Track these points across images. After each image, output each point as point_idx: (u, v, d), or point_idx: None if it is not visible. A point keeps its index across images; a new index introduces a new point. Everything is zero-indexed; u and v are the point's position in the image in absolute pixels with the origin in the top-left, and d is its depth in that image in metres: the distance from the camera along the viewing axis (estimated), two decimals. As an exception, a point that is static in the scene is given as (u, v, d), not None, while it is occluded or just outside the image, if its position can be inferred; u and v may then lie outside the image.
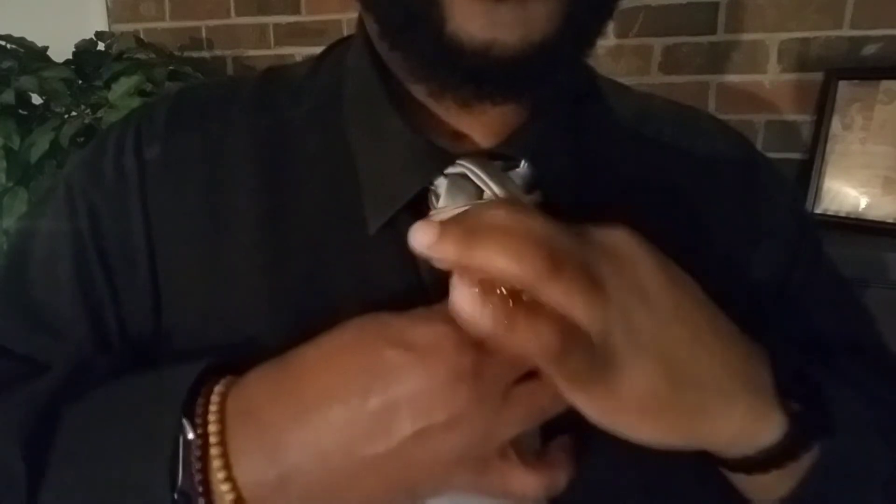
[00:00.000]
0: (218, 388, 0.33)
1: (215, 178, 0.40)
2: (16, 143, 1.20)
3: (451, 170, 0.37)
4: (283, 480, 0.31)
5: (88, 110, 1.26)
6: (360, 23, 0.41)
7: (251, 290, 0.38)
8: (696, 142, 0.46)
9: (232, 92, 0.44)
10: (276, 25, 1.67)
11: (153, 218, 0.40)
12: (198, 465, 0.31)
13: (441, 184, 0.37)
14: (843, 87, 1.25)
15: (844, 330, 0.46)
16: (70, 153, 1.22)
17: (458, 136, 0.38)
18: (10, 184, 1.23)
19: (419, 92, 0.38)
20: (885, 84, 1.21)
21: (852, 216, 1.24)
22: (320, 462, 0.30)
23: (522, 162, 0.38)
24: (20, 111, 1.26)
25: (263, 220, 0.39)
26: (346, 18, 1.59)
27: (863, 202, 1.23)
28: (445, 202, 0.36)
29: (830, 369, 0.40)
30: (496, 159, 0.38)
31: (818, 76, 1.28)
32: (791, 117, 1.32)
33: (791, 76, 1.31)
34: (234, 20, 1.71)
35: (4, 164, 1.21)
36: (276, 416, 0.31)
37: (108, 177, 0.41)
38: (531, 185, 0.38)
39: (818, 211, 1.27)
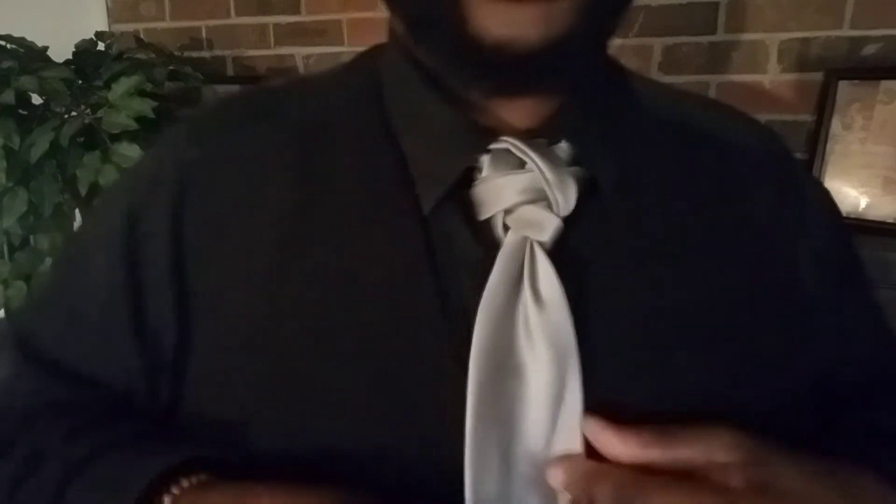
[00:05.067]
0: (185, 486, 0.35)
1: (249, 177, 0.41)
2: (16, 143, 1.20)
3: (494, 146, 0.38)
4: None
5: (88, 110, 1.26)
6: (391, 28, 0.43)
7: (282, 279, 0.38)
8: (731, 130, 0.46)
9: (269, 95, 0.45)
10: (276, 25, 1.67)
11: (185, 220, 0.41)
12: None
13: (484, 159, 0.38)
14: (843, 87, 1.25)
15: (874, 329, 0.49)
16: (70, 153, 1.22)
17: (497, 121, 0.39)
18: (10, 184, 1.23)
19: (454, 84, 0.39)
20: (885, 84, 1.21)
21: (852, 216, 1.24)
22: None
23: (562, 141, 0.39)
24: (20, 111, 1.26)
25: (297, 210, 0.39)
26: (346, 18, 1.59)
27: (863, 202, 1.23)
28: (487, 173, 0.38)
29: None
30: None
31: (818, 76, 1.28)
32: (791, 117, 1.32)
33: (791, 76, 1.31)
34: (234, 20, 1.71)
35: (4, 164, 1.21)
36: None
37: (145, 180, 0.43)
38: (572, 161, 0.39)
39: (818, 211, 1.27)
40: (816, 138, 1.27)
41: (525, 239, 0.37)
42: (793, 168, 0.48)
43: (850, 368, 0.46)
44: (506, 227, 0.38)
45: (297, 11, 1.64)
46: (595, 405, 0.36)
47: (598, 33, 0.36)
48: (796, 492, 0.34)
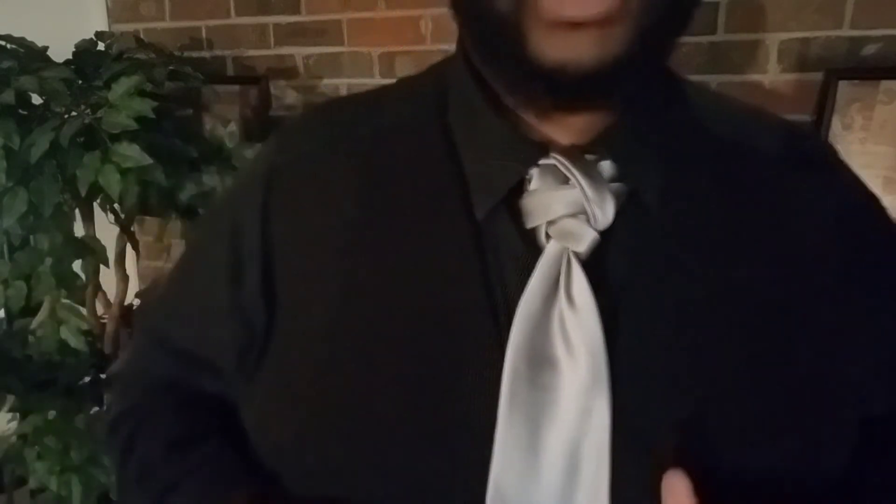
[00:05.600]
0: None
1: (325, 185, 0.46)
2: (16, 143, 1.20)
3: (543, 161, 0.42)
4: None
5: (88, 110, 1.26)
6: (460, 40, 0.46)
7: (350, 276, 0.44)
8: (786, 148, 0.47)
9: (346, 108, 0.51)
10: (276, 25, 1.67)
11: (272, 218, 0.47)
12: None
13: (533, 173, 0.42)
14: (843, 87, 1.25)
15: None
16: (70, 153, 1.22)
17: (546, 137, 0.43)
18: (10, 184, 1.23)
19: (511, 101, 0.42)
20: (885, 84, 1.21)
21: (852, 216, 1.24)
22: None
23: (608, 161, 0.42)
24: (20, 111, 1.26)
25: (364, 215, 0.44)
26: (346, 18, 1.59)
27: (863, 202, 1.23)
28: (536, 186, 0.42)
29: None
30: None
31: (818, 76, 1.28)
32: (791, 117, 1.32)
33: (791, 76, 1.31)
34: (234, 20, 1.71)
35: (4, 164, 1.21)
36: None
37: (245, 179, 0.52)
38: (615, 178, 0.42)
39: (818, 211, 1.27)
40: (816, 138, 1.28)
41: (564, 249, 0.40)
42: (849, 177, 0.49)
43: (891, 393, 0.45)
44: (548, 237, 0.41)
45: (297, 11, 1.64)
46: (619, 406, 0.39)
47: (652, 57, 0.39)
48: None
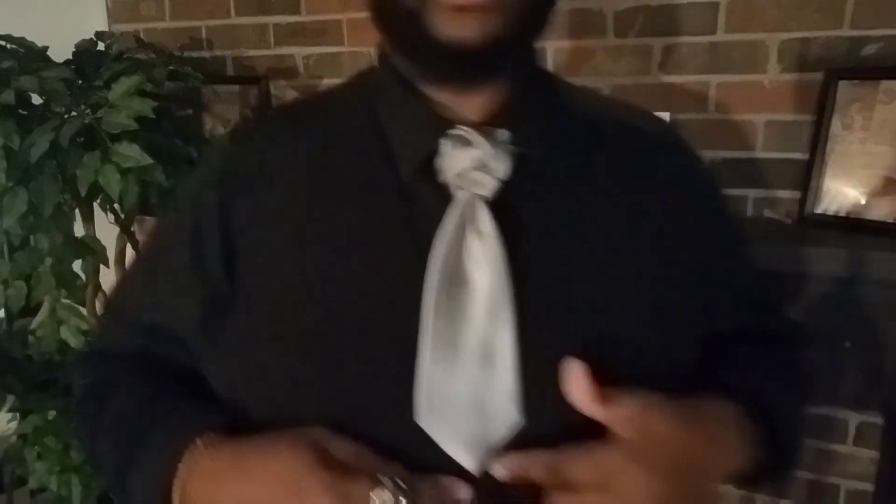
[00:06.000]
0: (199, 446, 0.53)
1: (278, 172, 0.57)
2: (16, 143, 1.20)
3: (452, 132, 0.53)
4: None
5: (88, 110, 1.26)
6: (380, 45, 0.58)
7: (297, 238, 0.55)
8: (639, 122, 0.62)
9: (295, 109, 0.65)
10: (276, 25, 1.68)
11: (229, 205, 0.57)
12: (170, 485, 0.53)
13: (445, 142, 0.53)
14: (843, 87, 1.25)
15: (752, 280, 0.66)
16: (70, 153, 1.23)
17: (455, 116, 0.55)
18: (10, 184, 1.23)
19: (426, 88, 0.55)
20: (885, 84, 1.21)
21: (852, 216, 1.24)
22: None
23: (503, 130, 0.54)
24: (20, 111, 1.27)
25: (310, 186, 0.56)
26: (346, 18, 1.59)
27: (863, 202, 1.23)
28: (447, 151, 0.53)
29: (756, 367, 0.61)
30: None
31: (818, 76, 1.28)
32: (791, 117, 1.33)
33: (791, 76, 1.31)
34: (234, 20, 1.71)
35: (4, 164, 1.21)
36: (216, 487, 0.51)
37: (199, 180, 0.61)
38: (510, 142, 0.54)
39: (818, 211, 1.27)
40: (816, 138, 1.27)
41: (473, 195, 0.52)
42: (689, 152, 0.64)
43: (732, 313, 0.63)
44: (459, 188, 0.52)
45: (297, 11, 1.64)
46: (523, 307, 0.50)
47: (524, 36, 0.52)
48: (667, 435, 0.48)
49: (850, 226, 1.23)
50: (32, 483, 1.40)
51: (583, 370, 0.47)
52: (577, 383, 0.47)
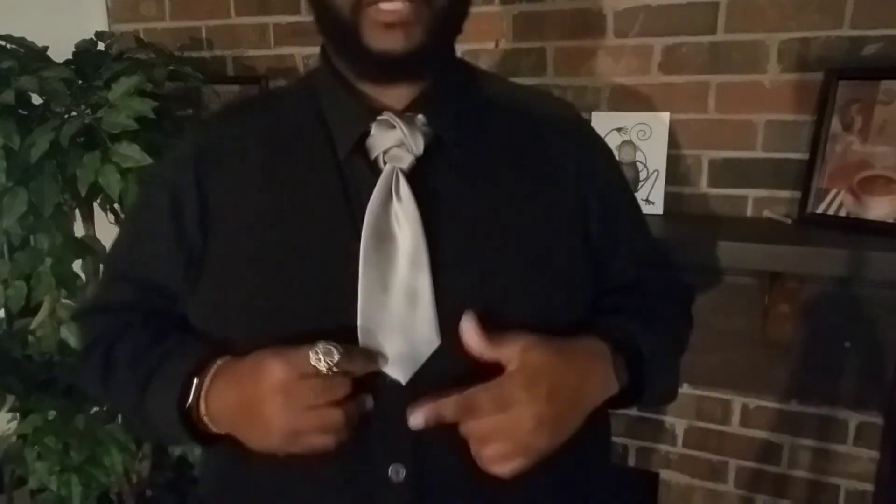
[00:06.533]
0: (213, 369, 0.66)
1: (240, 152, 0.70)
2: (16, 143, 1.20)
3: (379, 118, 0.66)
4: (230, 419, 0.65)
5: (88, 110, 1.26)
6: (322, 46, 0.72)
7: (258, 203, 0.68)
8: (542, 106, 0.77)
9: (253, 100, 0.82)
10: (276, 25, 1.68)
11: (203, 179, 0.70)
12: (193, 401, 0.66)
13: (374, 126, 0.67)
14: (843, 87, 1.25)
15: (642, 243, 0.79)
16: (70, 153, 1.22)
17: (383, 104, 0.68)
18: (10, 184, 1.23)
19: (358, 82, 0.69)
20: (885, 84, 1.21)
21: (852, 216, 1.24)
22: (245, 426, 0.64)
23: (421, 115, 0.67)
24: (20, 111, 1.26)
25: (267, 162, 0.69)
26: (346, 18, 1.59)
27: (862, 202, 1.23)
28: (375, 133, 0.67)
29: (635, 314, 0.72)
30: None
31: (818, 76, 1.28)
32: (791, 117, 1.33)
33: (791, 76, 1.31)
34: (234, 20, 1.71)
35: (4, 164, 1.21)
36: (226, 396, 0.64)
37: (175, 159, 0.74)
38: (426, 126, 0.67)
39: (818, 211, 1.27)
40: (816, 138, 1.27)
41: (394, 168, 0.65)
42: (585, 130, 0.78)
43: (621, 273, 0.75)
44: (385, 163, 0.66)
45: (297, 11, 1.64)
46: (439, 258, 0.63)
47: (441, 41, 0.65)
48: (547, 367, 0.60)
49: (850, 226, 1.23)
50: (32, 483, 1.40)
51: (473, 322, 0.60)
52: (468, 335, 0.60)
